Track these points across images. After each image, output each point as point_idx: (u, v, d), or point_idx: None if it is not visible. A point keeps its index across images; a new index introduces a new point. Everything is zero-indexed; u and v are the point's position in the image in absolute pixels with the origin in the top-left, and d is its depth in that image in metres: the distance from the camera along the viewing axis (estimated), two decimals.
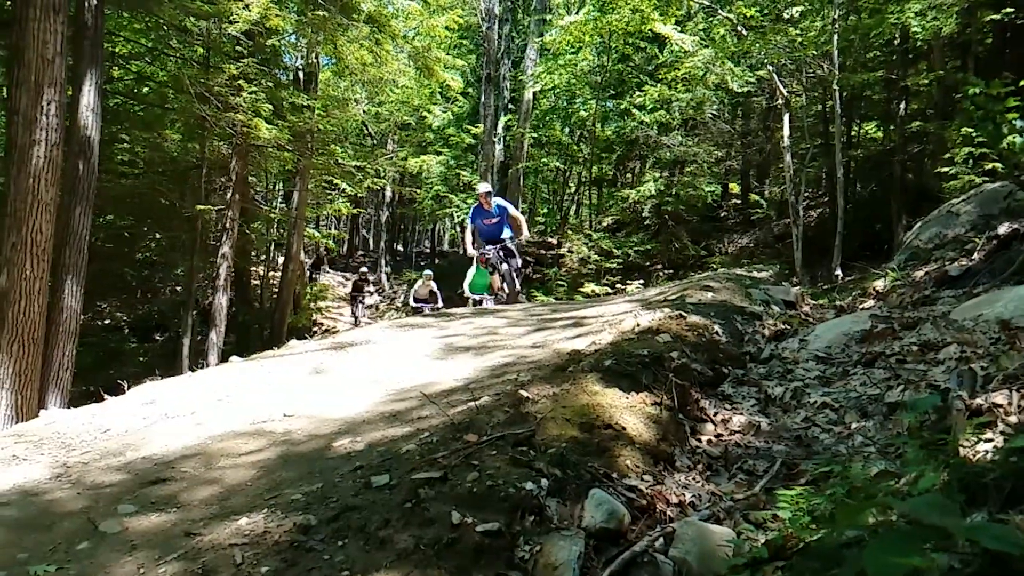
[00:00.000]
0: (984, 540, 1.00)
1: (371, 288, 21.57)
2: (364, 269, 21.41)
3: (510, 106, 20.72)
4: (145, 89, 16.83)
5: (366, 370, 4.48)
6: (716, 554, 2.04)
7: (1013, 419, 2.45)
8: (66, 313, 8.51)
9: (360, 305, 19.41)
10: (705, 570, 2.00)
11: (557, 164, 23.01)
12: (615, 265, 18.36)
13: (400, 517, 2.06)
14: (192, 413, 3.77)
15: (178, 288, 18.32)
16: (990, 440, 2.33)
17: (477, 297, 10.51)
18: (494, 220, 8.88)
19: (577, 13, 17.88)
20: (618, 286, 16.50)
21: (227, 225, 14.28)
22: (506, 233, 8.95)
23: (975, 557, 1.08)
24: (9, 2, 10.62)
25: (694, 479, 2.71)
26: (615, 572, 1.98)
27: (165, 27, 13.49)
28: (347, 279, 29.27)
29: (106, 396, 4.34)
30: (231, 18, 11.30)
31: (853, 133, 18.03)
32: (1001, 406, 2.53)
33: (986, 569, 1.05)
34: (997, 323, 3.58)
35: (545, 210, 27.12)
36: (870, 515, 1.61)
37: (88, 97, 8.95)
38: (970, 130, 8.65)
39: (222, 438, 3.29)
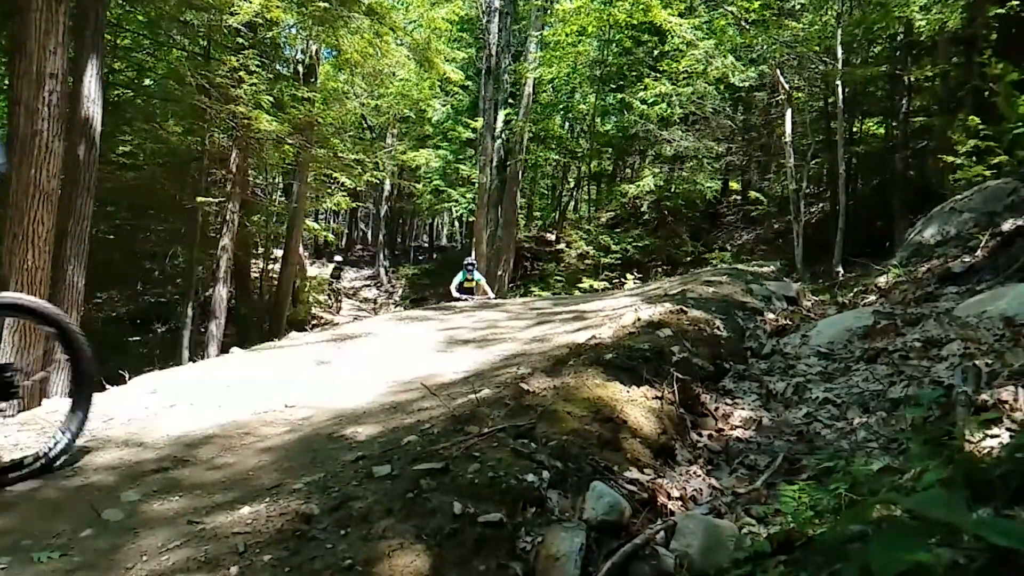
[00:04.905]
0: (991, 536, 1.00)
1: None
2: None
3: (510, 100, 20.61)
4: (146, 81, 16.78)
5: (368, 362, 4.48)
6: (718, 547, 2.04)
7: (1019, 415, 2.45)
8: (67, 304, 8.48)
9: None
10: (707, 563, 2.00)
11: (556, 158, 22.95)
12: (613, 261, 18.35)
13: (402, 507, 2.06)
14: (193, 403, 3.76)
15: (178, 280, 18.28)
16: (996, 436, 2.32)
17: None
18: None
19: None
20: (616, 281, 16.49)
21: (227, 217, 14.26)
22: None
23: (980, 553, 1.07)
24: None
25: (695, 473, 2.71)
26: (616, 564, 1.97)
27: (166, 19, 13.46)
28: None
29: (108, 386, 4.32)
30: (232, 10, 11.27)
31: (855, 129, 17.95)
32: (1007, 402, 2.53)
33: (992, 565, 1.04)
34: (1001, 320, 3.58)
35: (543, 205, 27.12)
36: (874, 510, 1.60)
37: (89, 88, 8.90)
38: (977, 120, 8.61)
39: (224, 428, 3.29)
